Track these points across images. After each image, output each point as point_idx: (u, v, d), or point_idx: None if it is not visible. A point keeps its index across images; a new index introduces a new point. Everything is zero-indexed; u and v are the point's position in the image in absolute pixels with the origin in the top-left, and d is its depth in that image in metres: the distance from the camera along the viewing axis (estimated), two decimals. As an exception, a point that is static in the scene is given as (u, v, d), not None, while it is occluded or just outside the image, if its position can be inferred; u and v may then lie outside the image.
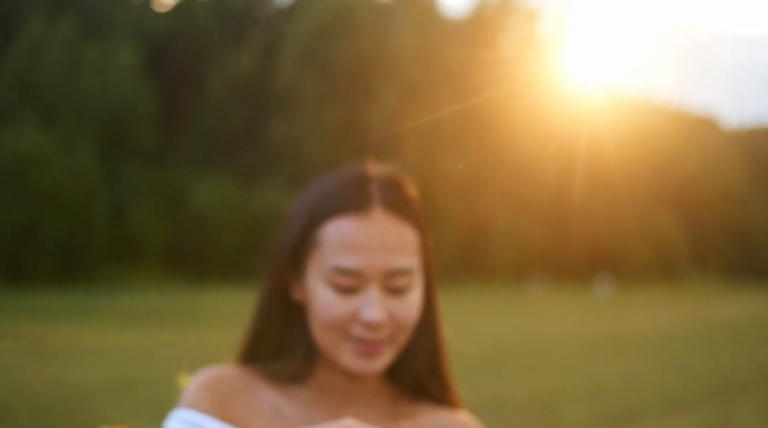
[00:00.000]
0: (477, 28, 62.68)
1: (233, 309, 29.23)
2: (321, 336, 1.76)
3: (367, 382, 1.84)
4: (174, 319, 24.51)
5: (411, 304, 1.76)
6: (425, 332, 1.87)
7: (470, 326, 20.75)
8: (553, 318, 28.44)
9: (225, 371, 1.85)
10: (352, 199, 1.80)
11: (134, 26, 57.99)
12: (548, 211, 60.01)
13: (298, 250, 1.80)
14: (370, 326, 1.71)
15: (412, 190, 1.85)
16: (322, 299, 1.74)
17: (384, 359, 1.75)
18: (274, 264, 1.85)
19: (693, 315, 30.57)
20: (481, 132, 50.33)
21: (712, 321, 27.73)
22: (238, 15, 65.33)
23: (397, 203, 1.80)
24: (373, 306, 1.71)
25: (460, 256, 51.38)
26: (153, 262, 49.50)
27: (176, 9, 65.65)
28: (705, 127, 78.38)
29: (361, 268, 1.72)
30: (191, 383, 1.83)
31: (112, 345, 17.06)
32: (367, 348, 1.72)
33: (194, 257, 50.27)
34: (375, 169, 1.85)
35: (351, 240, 1.76)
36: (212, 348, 17.17)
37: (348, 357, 1.73)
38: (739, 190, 78.27)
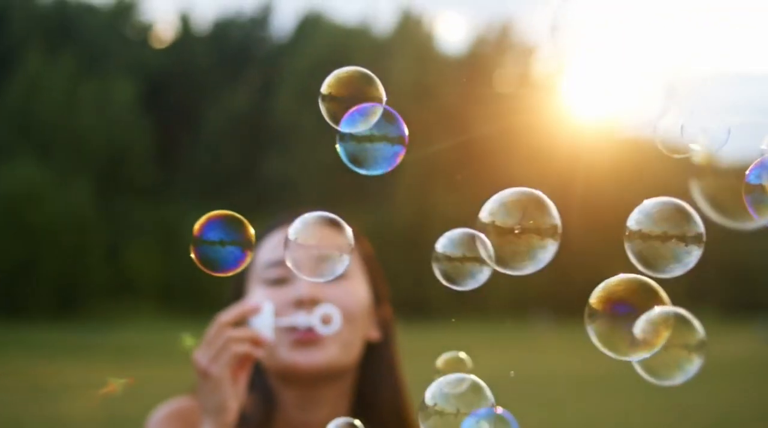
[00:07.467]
0: (474, 64, 62.90)
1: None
2: None
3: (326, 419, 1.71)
4: (166, 355, 24.33)
5: (347, 291, 1.70)
6: (385, 374, 1.81)
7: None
8: (548, 354, 28.36)
9: (185, 404, 1.79)
10: (279, 220, 1.83)
11: (132, 63, 58.18)
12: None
13: (242, 282, 1.80)
14: (301, 302, 1.65)
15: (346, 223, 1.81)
16: (255, 296, 1.70)
17: (326, 352, 1.65)
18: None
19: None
20: (477, 167, 50.41)
21: (708, 358, 27.60)
22: (235, 52, 65.52)
23: (324, 217, 1.78)
24: (301, 284, 1.65)
25: (454, 292, 51.22)
26: (148, 298, 49.37)
27: (174, 46, 65.93)
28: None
29: None
30: (152, 418, 1.80)
31: (104, 381, 16.92)
32: (303, 334, 1.63)
33: (188, 293, 50.13)
34: None
35: (276, 240, 1.77)
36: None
37: (286, 352, 1.66)
38: (736, 227, 78.31)
